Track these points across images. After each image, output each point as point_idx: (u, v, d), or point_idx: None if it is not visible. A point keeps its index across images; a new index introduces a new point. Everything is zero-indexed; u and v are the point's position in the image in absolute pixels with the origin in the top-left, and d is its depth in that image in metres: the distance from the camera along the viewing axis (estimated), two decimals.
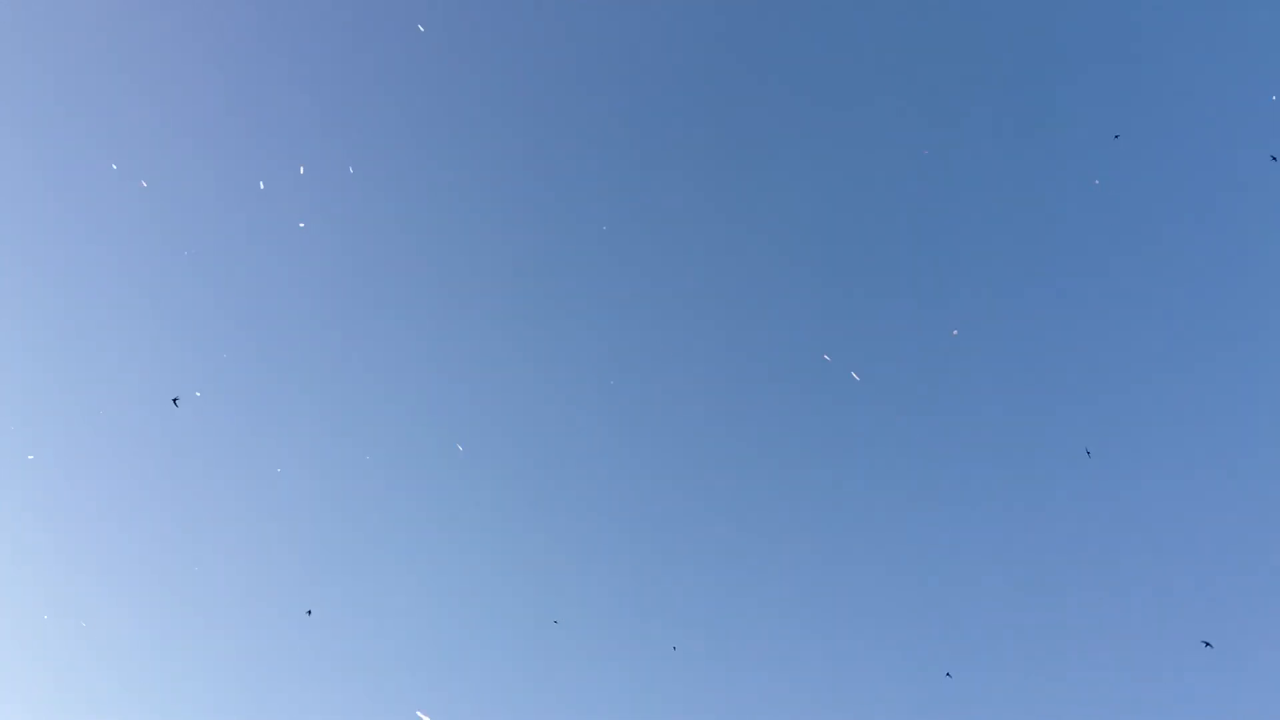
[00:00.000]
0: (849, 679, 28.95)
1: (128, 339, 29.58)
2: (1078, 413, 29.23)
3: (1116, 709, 27.66)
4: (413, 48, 30.01)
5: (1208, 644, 25.45)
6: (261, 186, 25.62)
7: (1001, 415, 29.60)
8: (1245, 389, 28.53)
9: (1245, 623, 27.16)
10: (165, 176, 29.34)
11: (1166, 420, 28.89)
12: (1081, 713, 27.77)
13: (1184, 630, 27.43)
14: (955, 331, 23.60)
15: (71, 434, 29.46)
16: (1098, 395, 29.22)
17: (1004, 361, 29.50)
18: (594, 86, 30.22)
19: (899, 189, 30.31)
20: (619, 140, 30.46)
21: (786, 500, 30.02)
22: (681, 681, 29.30)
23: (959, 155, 30.15)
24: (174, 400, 23.30)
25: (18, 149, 28.85)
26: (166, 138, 29.31)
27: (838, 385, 30.35)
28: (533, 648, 29.70)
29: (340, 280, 30.07)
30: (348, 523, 30.06)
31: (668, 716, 29.30)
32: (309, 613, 24.02)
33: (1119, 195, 29.47)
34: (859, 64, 30.42)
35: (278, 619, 29.70)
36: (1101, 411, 29.19)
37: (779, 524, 29.85)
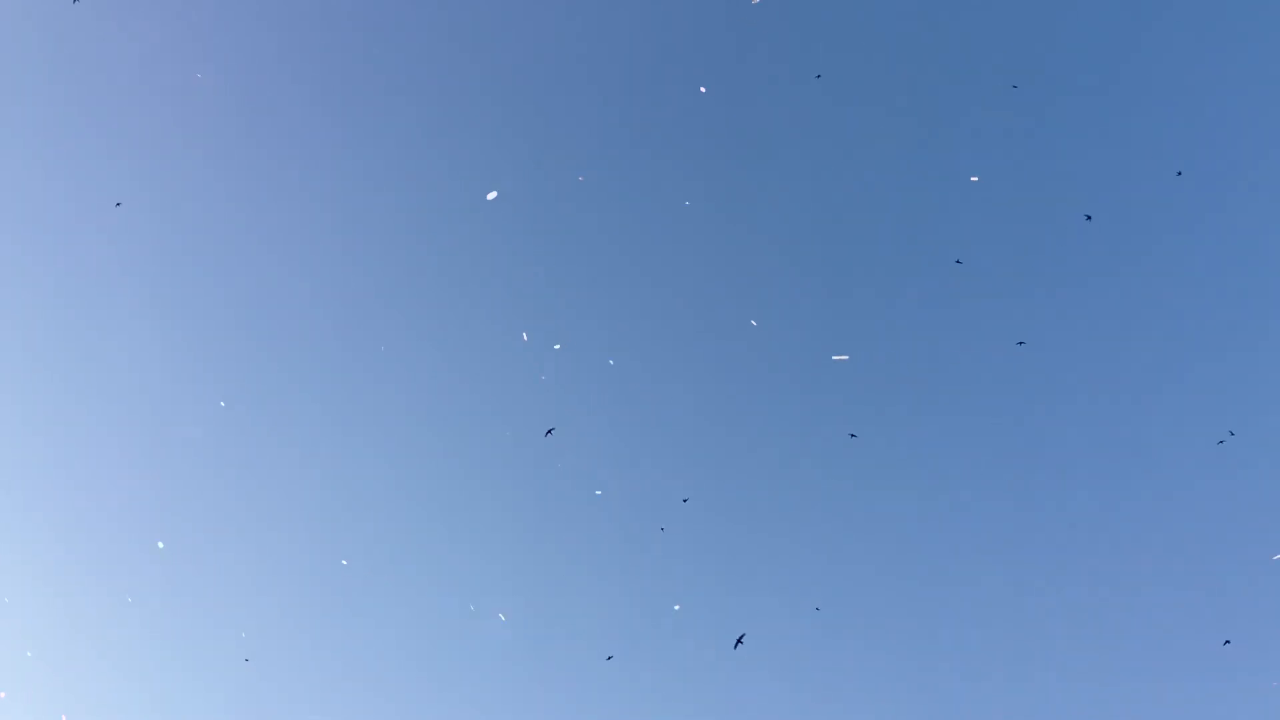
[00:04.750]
0: (856, 680, 28.99)
1: (132, 339, 29.69)
2: (1079, 411, 29.19)
3: (1117, 711, 27.66)
4: (408, 46, 29.99)
5: (1227, 642, 25.36)
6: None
7: (1002, 412, 29.57)
8: (1250, 389, 28.44)
9: (1250, 623, 27.12)
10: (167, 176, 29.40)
11: (1170, 420, 28.84)
12: (1082, 713, 27.78)
13: (1185, 631, 27.41)
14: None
15: (73, 434, 29.59)
16: (1101, 394, 29.17)
17: (1006, 359, 29.47)
18: (590, 84, 30.20)
19: (900, 186, 30.25)
20: (617, 137, 30.41)
21: (787, 498, 30.00)
22: (683, 680, 29.35)
23: (960, 154, 30.06)
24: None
25: (18, 149, 28.93)
26: (167, 136, 29.37)
27: (837, 384, 30.33)
28: (532, 648, 29.80)
29: (341, 279, 30.11)
30: (351, 522, 30.16)
31: (671, 715, 29.37)
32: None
33: (1126, 196, 29.37)
34: (859, 61, 30.34)
35: (278, 619, 29.84)
36: (1105, 410, 29.14)
37: (778, 521, 29.85)
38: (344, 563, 29.48)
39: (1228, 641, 25.23)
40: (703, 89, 25.99)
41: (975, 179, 24.69)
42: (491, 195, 23.48)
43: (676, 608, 28.53)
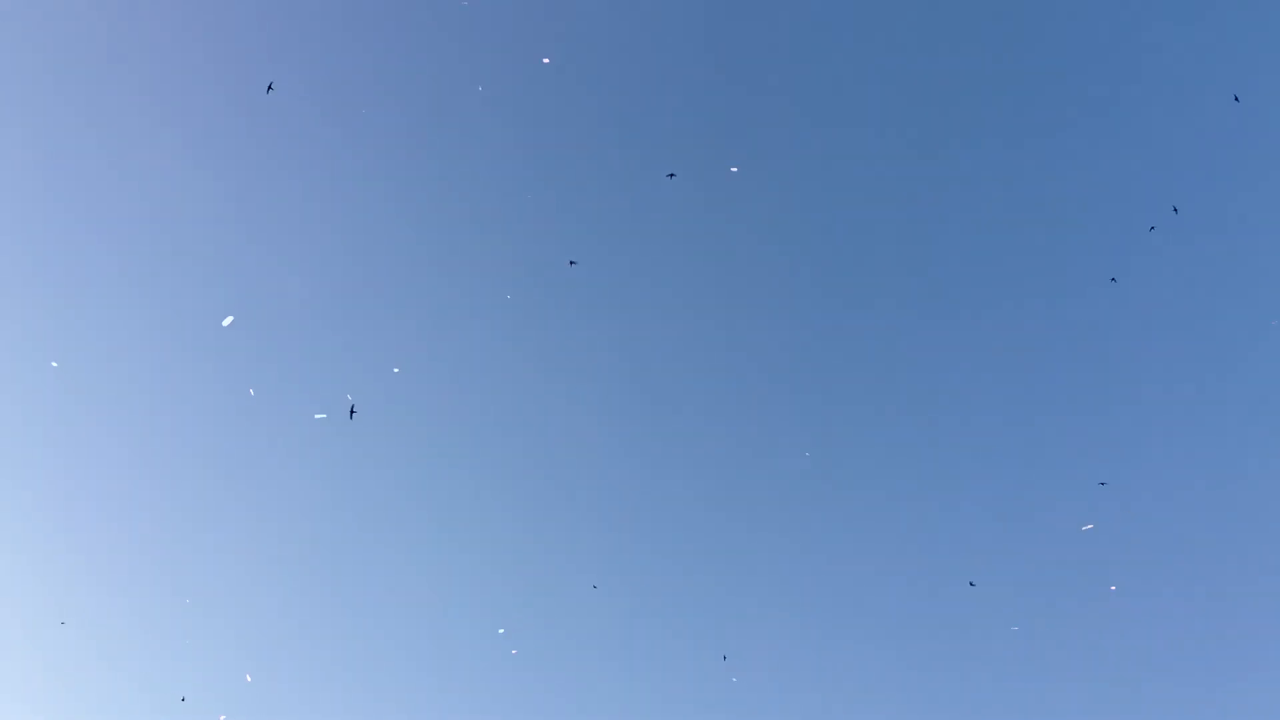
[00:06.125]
0: (856, 679, 28.99)
1: (131, 337, 29.60)
2: (1078, 416, 29.22)
3: (1118, 711, 27.68)
4: (405, 47, 29.93)
5: (1103, 482, 25.04)
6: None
7: (1003, 419, 29.59)
8: (1249, 392, 28.48)
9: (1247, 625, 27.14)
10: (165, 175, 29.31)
11: (1172, 422, 28.87)
12: (1084, 713, 27.79)
13: (1186, 631, 27.43)
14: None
15: (72, 432, 29.52)
16: (1102, 397, 29.20)
17: (1005, 365, 29.48)
18: (589, 85, 30.16)
19: (899, 187, 30.25)
20: (615, 139, 30.39)
21: (787, 498, 30.00)
22: (687, 680, 29.33)
23: (960, 156, 30.08)
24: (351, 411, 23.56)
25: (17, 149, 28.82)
26: (167, 135, 29.31)
27: (835, 386, 30.34)
28: (531, 649, 29.76)
29: (341, 279, 30.05)
30: (349, 521, 30.10)
31: (673, 715, 29.33)
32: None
33: (1123, 197, 29.41)
34: (858, 61, 30.33)
35: (278, 618, 29.77)
36: (1106, 415, 29.17)
37: (778, 522, 29.84)
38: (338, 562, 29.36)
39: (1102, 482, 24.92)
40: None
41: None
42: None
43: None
